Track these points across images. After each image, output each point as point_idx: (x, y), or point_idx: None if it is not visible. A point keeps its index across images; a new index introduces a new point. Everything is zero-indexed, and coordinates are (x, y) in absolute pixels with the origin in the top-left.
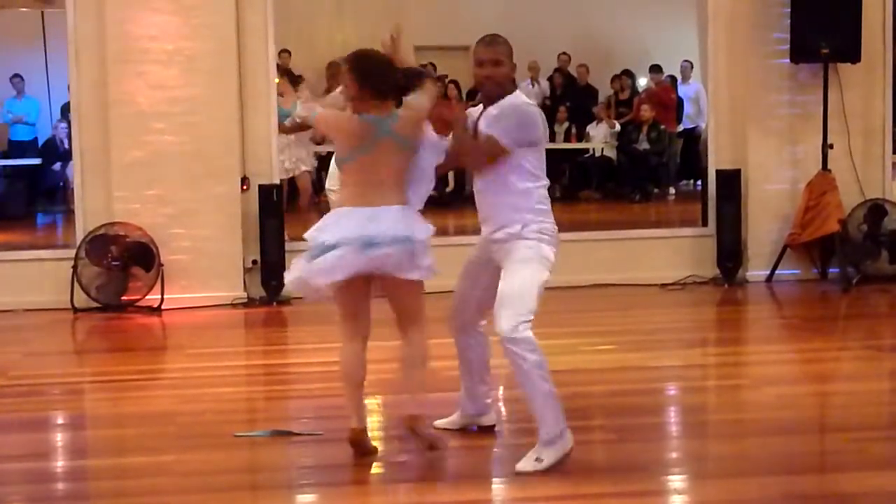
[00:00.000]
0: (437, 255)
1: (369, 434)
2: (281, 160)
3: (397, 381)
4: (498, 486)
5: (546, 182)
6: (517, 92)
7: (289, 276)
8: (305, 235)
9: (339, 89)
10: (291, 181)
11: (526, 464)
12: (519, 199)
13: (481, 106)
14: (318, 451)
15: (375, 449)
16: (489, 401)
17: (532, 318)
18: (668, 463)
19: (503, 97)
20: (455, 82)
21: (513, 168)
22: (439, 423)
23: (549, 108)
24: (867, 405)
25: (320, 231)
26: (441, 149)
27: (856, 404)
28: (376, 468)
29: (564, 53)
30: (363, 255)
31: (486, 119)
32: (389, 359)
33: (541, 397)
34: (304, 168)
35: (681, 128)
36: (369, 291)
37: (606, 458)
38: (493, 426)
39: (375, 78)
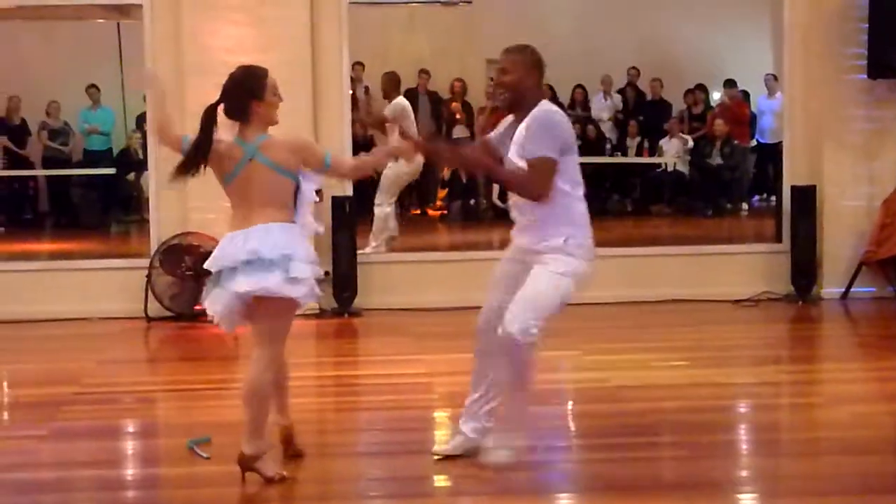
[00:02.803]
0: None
1: (436, 447)
2: None
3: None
4: (566, 501)
5: (581, 196)
6: (543, 101)
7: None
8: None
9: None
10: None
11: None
12: (561, 211)
13: (512, 116)
14: (387, 463)
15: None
16: (489, 424)
17: (543, 326)
18: (739, 481)
19: (520, 107)
20: None
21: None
22: (438, 449)
23: (621, 123)
24: None
25: (212, 259)
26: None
27: None
28: (444, 481)
29: (634, 68)
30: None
31: (518, 138)
32: (459, 371)
33: (519, 402)
34: None
35: (754, 142)
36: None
37: (677, 475)
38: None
39: (226, 98)
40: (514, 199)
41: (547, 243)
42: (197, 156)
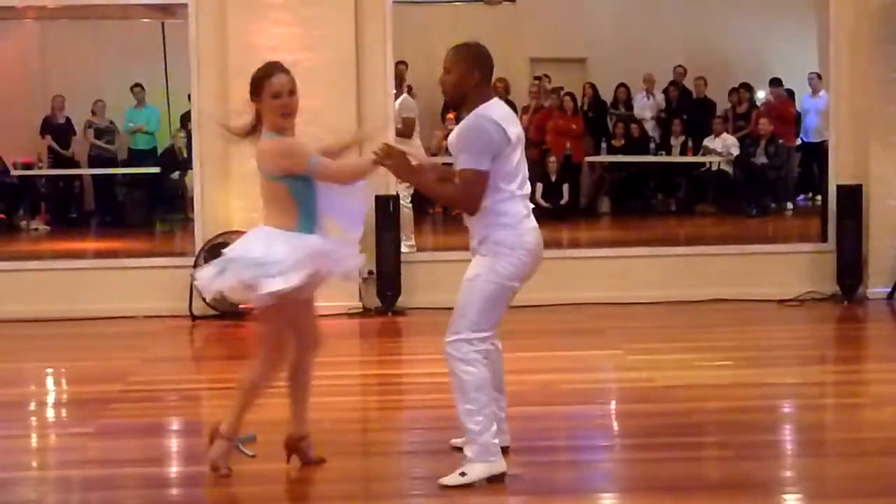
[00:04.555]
0: (549, 268)
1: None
2: None
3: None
4: (609, 500)
5: (513, 191)
6: (486, 104)
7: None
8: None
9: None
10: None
11: (450, 479)
12: (482, 212)
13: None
14: (430, 462)
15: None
16: (503, 419)
17: (474, 335)
18: (784, 481)
19: (464, 107)
20: (571, 94)
21: None
22: (455, 441)
23: (664, 121)
24: None
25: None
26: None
27: None
28: (486, 481)
29: (680, 66)
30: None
31: (451, 140)
32: (525, 370)
33: (474, 419)
34: None
35: (798, 141)
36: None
37: (721, 475)
38: (507, 447)
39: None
40: None
41: (472, 245)
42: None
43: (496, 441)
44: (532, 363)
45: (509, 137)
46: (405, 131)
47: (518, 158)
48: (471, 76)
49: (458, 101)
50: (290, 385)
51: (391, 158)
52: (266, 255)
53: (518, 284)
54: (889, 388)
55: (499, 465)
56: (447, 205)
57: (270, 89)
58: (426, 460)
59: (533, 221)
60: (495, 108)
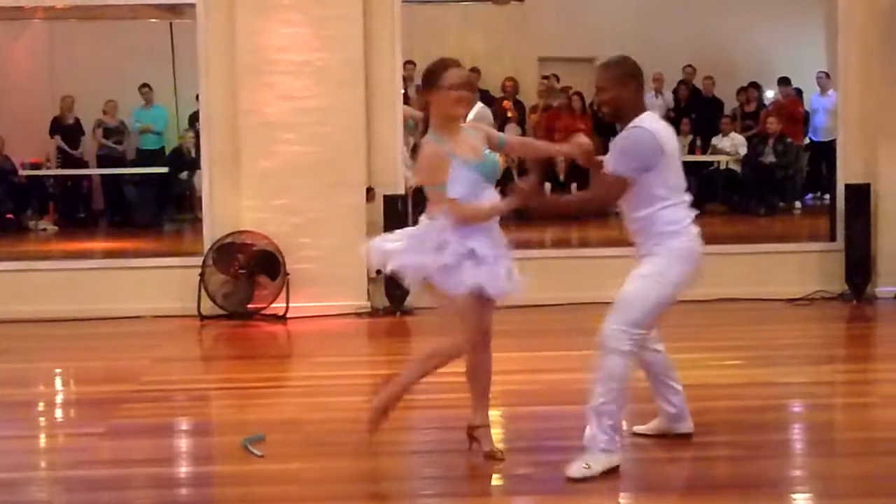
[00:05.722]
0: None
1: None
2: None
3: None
4: (620, 500)
5: (676, 200)
6: (642, 115)
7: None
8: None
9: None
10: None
11: (575, 469)
12: (645, 223)
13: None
14: (441, 461)
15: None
16: (685, 408)
17: (633, 330)
18: (795, 481)
19: (624, 121)
20: (579, 94)
21: (632, 194)
22: (638, 428)
23: (673, 120)
24: None
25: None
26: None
27: None
28: (497, 480)
29: (689, 66)
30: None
31: (610, 150)
32: (534, 369)
33: (607, 409)
34: None
35: (807, 140)
36: None
37: (732, 475)
38: (690, 434)
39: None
40: (621, 210)
41: (640, 251)
42: None
43: (618, 437)
44: (541, 363)
45: (663, 149)
46: None
47: (678, 167)
48: (626, 91)
49: (617, 117)
50: (470, 380)
51: (530, 198)
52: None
53: (680, 292)
54: None
55: (617, 458)
56: (582, 212)
57: (449, 80)
58: (437, 460)
59: (696, 228)
60: (651, 121)
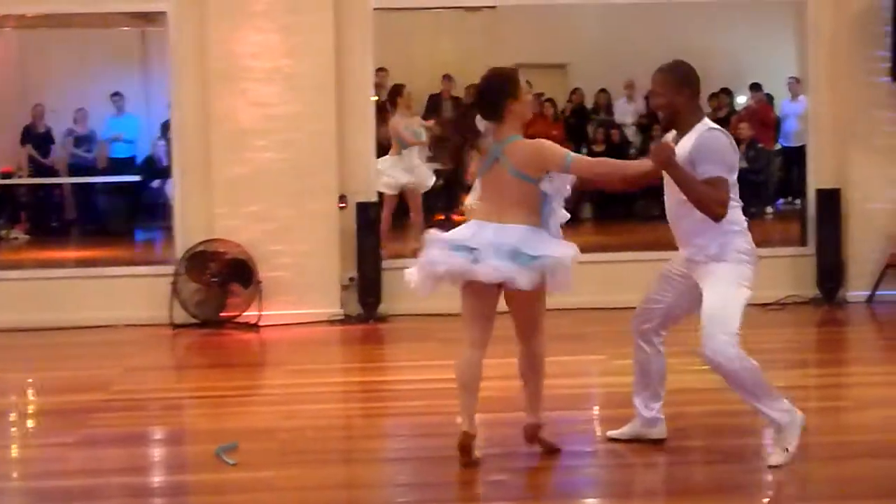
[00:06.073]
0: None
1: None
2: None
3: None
4: None
5: (738, 203)
6: (704, 119)
7: (428, 267)
8: (446, 237)
9: None
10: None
11: (777, 458)
12: (711, 224)
13: (674, 131)
14: (414, 469)
15: (477, 460)
16: (660, 414)
17: (734, 336)
18: (769, 485)
19: (678, 125)
20: (551, 100)
21: None
22: (611, 433)
23: (645, 127)
24: None
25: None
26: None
27: None
28: (472, 487)
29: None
30: (496, 261)
31: (681, 153)
32: (509, 375)
33: (759, 400)
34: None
35: (778, 146)
36: (496, 301)
37: (704, 479)
38: (664, 440)
39: (482, 101)
40: (668, 209)
41: (706, 253)
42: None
43: (787, 404)
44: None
45: (736, 151)
46: None
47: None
48: (681, 94)
49: (671, 122)
50: (522, 375)
51: (666, 153)
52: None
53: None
54: (871, 390)
55: (799, 415)
56: (698, 203)
57: (524, 88)
58: (411, 467)
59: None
60: (721, 130)
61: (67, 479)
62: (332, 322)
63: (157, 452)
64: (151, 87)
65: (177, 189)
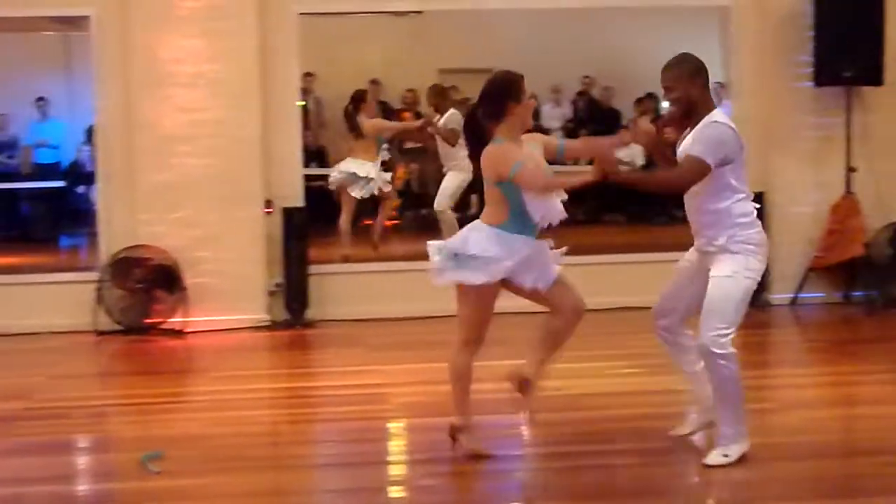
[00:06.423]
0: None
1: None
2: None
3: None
4: None
5: (747, 195)
6: (714, 111)
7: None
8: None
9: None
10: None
11: (714, 459)
12: (720, 215)
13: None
14: (343, 474)
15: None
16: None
17: (733, 329)
18: (694, 488)
19: (696, 118)
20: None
21: (711, 186)
22: (679, 430)
23: (572, 131)
24: (895, 429)
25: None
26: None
27: (884, 428)
28: (400, 492)
29: (588, 76)
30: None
31: (685, 146)
32: (414, 381)
33: (730, 405)
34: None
35: None
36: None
37: (632, 483)
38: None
39: (485, 101)
40: (685, 202)
41: (715, 244)
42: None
43: (745, 430)
44: (442, 374)
45: (742, 144)
46: (451, 141)
47: (744, 163)
48: (694, 86)
49: (689, 114)
50: (540, 335)
51: (608, 165)
52: (481, 251)
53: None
54: (795, 392)
55: (746, 445)
56: (659, 192)
57: (526, 91)
58: (340, 473)
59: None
60: (726, 118)
61: None
62: (258, 328)
63: (82, 461)
64: (76, 91)
65: (101, 195)
